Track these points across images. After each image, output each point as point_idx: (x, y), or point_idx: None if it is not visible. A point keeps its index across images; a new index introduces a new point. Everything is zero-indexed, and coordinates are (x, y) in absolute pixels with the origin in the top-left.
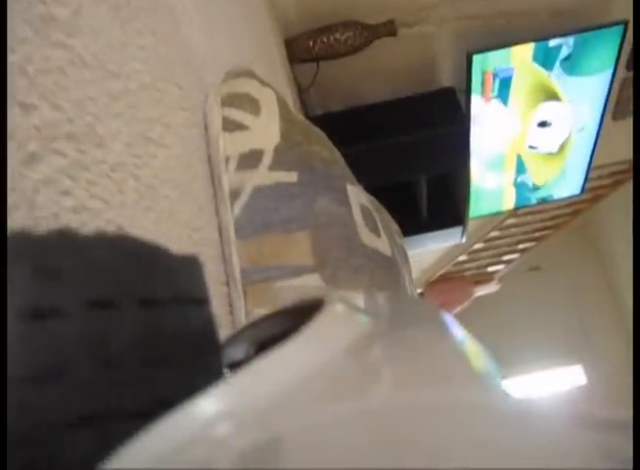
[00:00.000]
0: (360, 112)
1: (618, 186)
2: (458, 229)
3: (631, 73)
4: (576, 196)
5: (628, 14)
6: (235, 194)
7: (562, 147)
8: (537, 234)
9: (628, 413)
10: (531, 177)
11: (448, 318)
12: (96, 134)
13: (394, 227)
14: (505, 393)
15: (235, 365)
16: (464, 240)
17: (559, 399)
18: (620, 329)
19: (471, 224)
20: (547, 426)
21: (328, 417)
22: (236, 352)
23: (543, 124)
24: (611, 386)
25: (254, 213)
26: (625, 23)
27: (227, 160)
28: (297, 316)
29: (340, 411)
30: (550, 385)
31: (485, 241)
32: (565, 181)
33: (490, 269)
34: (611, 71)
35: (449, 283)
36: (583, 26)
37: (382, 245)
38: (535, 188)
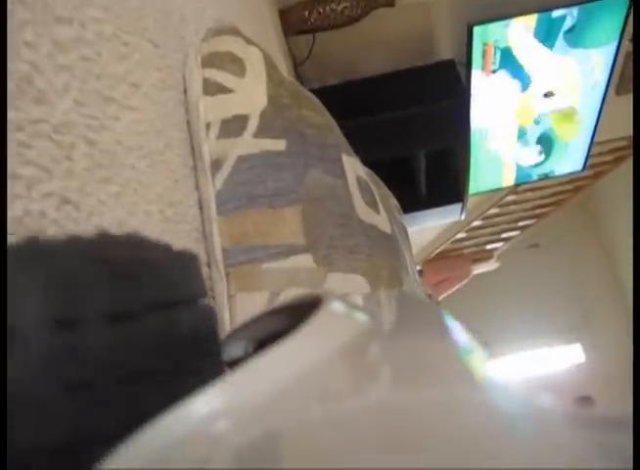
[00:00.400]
0: (357, 85)
1: (620, 162)
2: (457, 206)
3: None
4: (578, 172)
5: None
6: (217, 164)
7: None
8: (537, 211)
9: (626, 410)
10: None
11: (449, 319)
12: (34, 87)
13: (394, 202)
14: (504, 392)
15: (233, 363)
16: (463, 217)
17: (558, 377)
18: (620, 308)
19: (470, 201)
20: (544, 424)
21: (326, 414)
22: (235, 350)
23: (548, 95)
24: (609, 364)
25: (238, 186)
26: None
27: (208, 126)
28: (296, 314)
29: (337, 408)
30: (549, 363)
31: (484, 218)
32: (566, 157)
33: (489, 247)
34: (615, 44)
35: (447, 261)
36: None
37: (380, 221)
38: (537, 164)
